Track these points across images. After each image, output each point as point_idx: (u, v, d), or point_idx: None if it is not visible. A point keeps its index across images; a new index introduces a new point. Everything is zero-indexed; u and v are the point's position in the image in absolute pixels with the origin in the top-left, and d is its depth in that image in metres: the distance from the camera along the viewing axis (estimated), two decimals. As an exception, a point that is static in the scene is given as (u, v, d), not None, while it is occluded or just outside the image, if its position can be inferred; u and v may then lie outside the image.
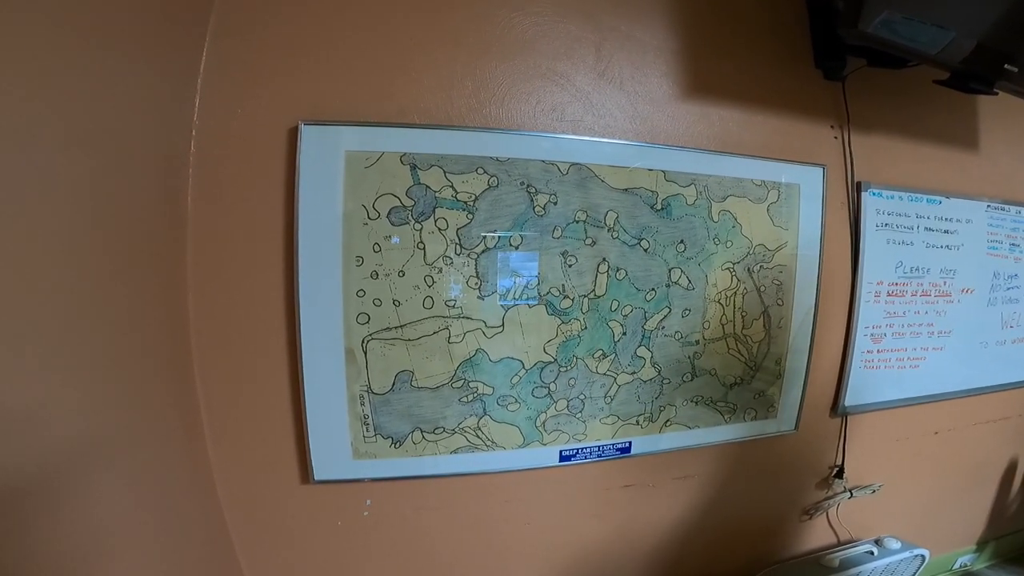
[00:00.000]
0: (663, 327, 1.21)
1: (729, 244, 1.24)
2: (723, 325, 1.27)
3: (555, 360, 1.14)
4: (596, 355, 1.17)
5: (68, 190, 0.66)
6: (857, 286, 1.40)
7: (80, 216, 0.69)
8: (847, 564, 1.46)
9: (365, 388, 1.03)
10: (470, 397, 1.10)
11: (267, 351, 1.00)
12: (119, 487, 0.75)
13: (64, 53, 0.65)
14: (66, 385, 0.66)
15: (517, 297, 1.09)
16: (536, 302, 1.10)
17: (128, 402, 0.78)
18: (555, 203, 1.09)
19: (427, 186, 1.01)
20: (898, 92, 1.43)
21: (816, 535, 1.58)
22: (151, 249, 0.85)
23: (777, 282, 1.30)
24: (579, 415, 1.19)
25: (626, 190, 1.14)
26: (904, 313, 1.49)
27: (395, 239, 1.01)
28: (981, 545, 1.88)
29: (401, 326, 1.03)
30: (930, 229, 1.47)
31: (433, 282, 1.04)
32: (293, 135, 0.95)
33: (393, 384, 1.05)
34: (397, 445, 1.07)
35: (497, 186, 1.05)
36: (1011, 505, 1.89)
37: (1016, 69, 1.18)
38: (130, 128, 0.78)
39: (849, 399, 1.46)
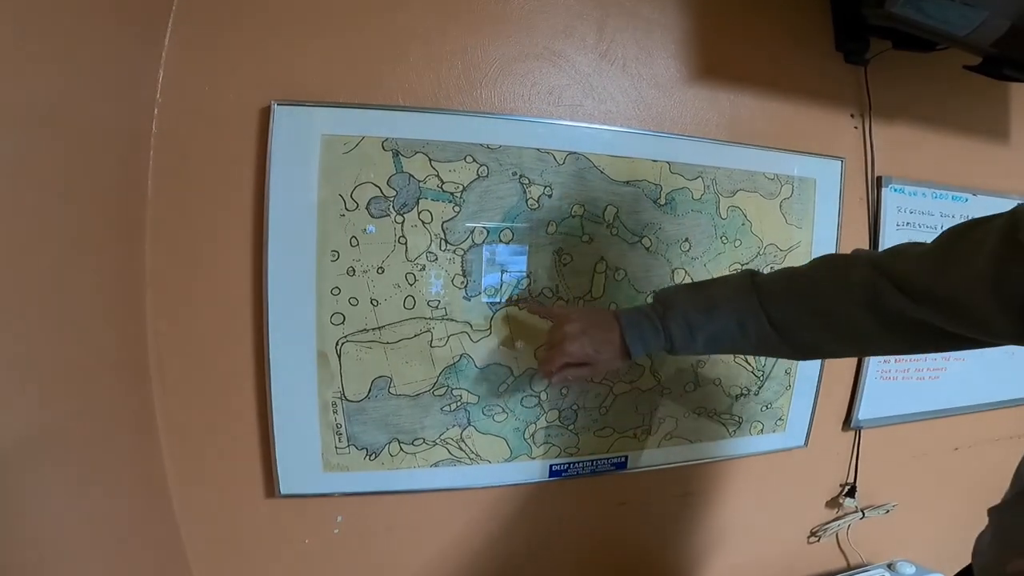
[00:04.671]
0: (664, 332, 1.25)
1: (738, 243, 1.27)
2: (729, 331, 1.30)
3: (546, 367, 1.17)
4: (591, 362, 1.20)
5: (11, 173, 0.66)
6: (875, 290, 1.44)
7: (24, 200, 0.69)
8: (857, 590, 1.52)
9: (338, 395, 1.05)
10: (453, 406, 1.12)
11: (231, 352, 1.01)
12: (57, 497, 0.75)
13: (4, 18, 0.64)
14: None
15: (506, 298, 1.12)
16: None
17: (72, 403, 0.78)
18: (550, 196, 1.11)
19: (410, 175, 1.02)
20: (925, 78, 1.46)
21: (824, 558, 1.62)
22: (104, 238, 0.85)
23: (789, 285, 1.34)
24: (571, 427, 1.21)
25: (627, 183, 1.16)
26: (925, 320, 1.53)
27: (371, 228, 1.02)
28: (1001, 570, 1.95)
29: (379, 328, 1.05)
30: (955, 230, 1.51)
31: (415, 280, 1.05)
32: (265, 116, 0.96)
33: (369, 391, 1.06)
34: (372, 457, 1.09)
35: (487, 176, 1.07)
36: (1034, 527, 1.95)
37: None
38: (83, 105, 0.78)
39: (863, 412, 1.50)
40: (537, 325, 1.12)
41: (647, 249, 1.20)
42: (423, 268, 1.06)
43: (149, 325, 0.97)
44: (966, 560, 0.80)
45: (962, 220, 0.73)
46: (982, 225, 0.69)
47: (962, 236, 0.71)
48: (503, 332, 1.12)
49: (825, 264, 0.86)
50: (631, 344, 0.93)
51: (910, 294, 0.73)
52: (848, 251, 0.89)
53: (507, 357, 1.14)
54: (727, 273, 1.24)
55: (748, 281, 0.89)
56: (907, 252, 0.77)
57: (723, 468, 1.40)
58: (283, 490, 1.05)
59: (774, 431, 1.41)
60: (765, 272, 0.91)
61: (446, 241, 1.06)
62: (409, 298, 1.06)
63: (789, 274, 0.87)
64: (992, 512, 0.77)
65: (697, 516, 1.41)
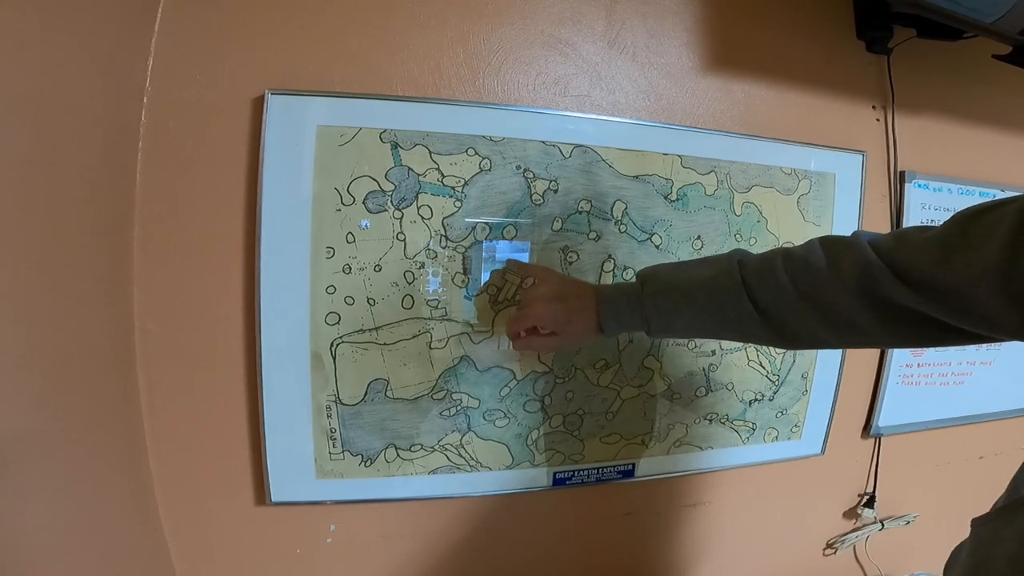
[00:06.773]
0: (675, 334, 1.25)
1: (753, 241, 1.26)
2: (743, 333, 1.30)
3: (551, 370, 1.16)
4: (598, 365, 1.19)
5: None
6: (897, 291, 1.44)
7: (5, 192, 0.69)
8: (875, 605, 1.52)
9: (333, 398, 1.05)
10: (453, 410, 1.12)
11: (221, 353, 1.01)
12: (37, 504, 0.75)
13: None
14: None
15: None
16: (531, 303, 1.13)
17: (52, 407, 0.79)
18: (555, 191, 1.11)
19: (410, 168, 1.02)
20: (951, 68, 1.45)
21: (840, 571, 1.61)
22: (89, 233, 0.86)
23: (806, 285, 1.33)
24: (576, 433, 1.21)
25: (637, 177, 1.16)
26: (949, 323, 1.52)
27: (364, 223, 1.01)
28: (1027, 585, 1.95)
29: (376, 328, 1.05)
30: (981, 227, 1.50)
31: (414, 278, 1.05)
32: (258, 106, 0.95)
33: (365, 394, 1.06)
34: (367, 463, 1.09)
35: (490, 170, 1.06)
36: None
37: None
38: (69, 93, 0.78)
39: (883, 419, 1.49)
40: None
41: (657, 247, 1.19)
42: (422, 266, 1.05)
43: (136, 324, 0.97)
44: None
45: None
46: (997, 208, 0.64)
47: (973, 220, 0.66)
48: (503, 330, 1.12)
49: (820, 245, 0.80)
50: (604, 321, 0.92)
51: (909, 284, 0.69)
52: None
53: (509, 359, 1.13)
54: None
55: (734, 262, 0.85)
56: (911, 237, 0.72)
57: (735, 477, 1.39)
58: (274, 497, 1.05)
59: (789, 438, 1.40)
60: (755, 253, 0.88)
61: (446, 238, 1.06)
62: (407, 297, 1.06)
63: (779, 255, 0.83)
64: (974, 523, 0.76)
65: (707, 527, 1.41)
